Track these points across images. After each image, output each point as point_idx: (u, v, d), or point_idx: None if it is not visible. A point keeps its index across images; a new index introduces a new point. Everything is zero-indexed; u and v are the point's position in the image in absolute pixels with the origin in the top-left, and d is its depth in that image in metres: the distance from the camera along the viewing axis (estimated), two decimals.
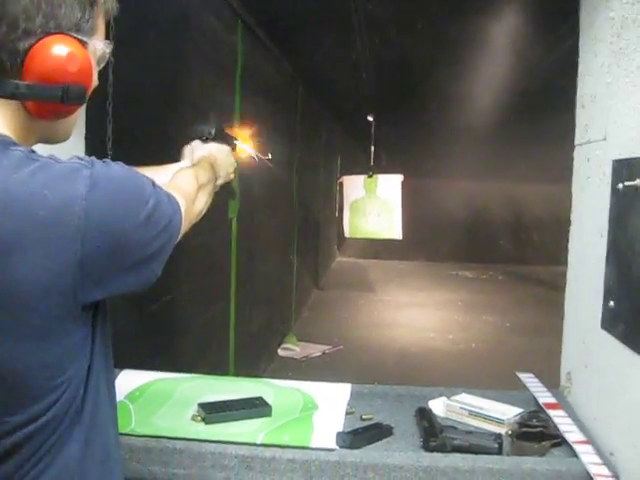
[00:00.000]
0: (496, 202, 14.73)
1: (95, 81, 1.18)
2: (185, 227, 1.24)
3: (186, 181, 1.40)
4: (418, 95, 8.17)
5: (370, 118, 9.17)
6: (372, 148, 8.71)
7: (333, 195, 12.14)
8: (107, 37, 1.19)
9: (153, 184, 1.13)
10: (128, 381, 1.99)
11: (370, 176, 7.52)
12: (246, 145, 1.94)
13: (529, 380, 2.09)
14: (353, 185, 7.55)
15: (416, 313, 9.29)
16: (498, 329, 8.51)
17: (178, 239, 1.18)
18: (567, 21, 2.18)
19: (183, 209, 1.21)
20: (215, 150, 1.71)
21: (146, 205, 1.08)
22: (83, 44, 1.10)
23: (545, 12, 4.52)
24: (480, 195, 14.58)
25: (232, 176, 1.77)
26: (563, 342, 2.05)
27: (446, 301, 10.19)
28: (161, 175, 1.49)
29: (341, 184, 7.88)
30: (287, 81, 7.33)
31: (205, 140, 1.73)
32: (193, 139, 1.75)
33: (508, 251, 14.54)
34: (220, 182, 1.68)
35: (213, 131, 1.72)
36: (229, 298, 4.92)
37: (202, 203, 1.42)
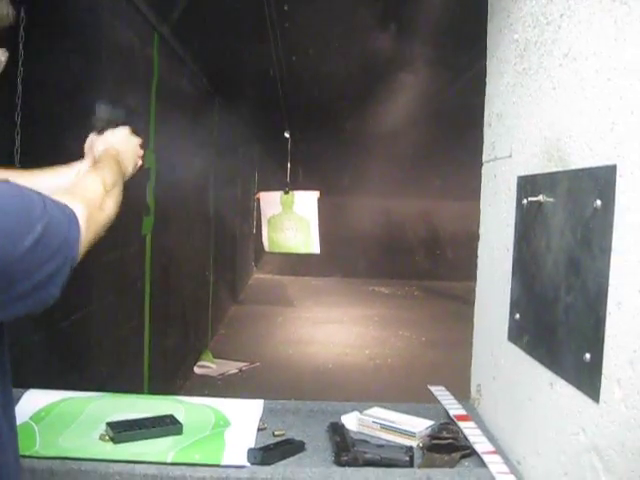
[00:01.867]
0: (412, 219, 15.01)
1: None
2: (92, 236, 1.17)
3: (91, 187, 1.30)
4: (335, 113, 8.27)
5: (287, 135, 9.22)
6: (289, 165, 8.76)
7: (250, 211, 12.11)
8: (15, 47, 1.15)
9: (44, 202, 1.05)
10: (33, 401, 1.91)
11: (287, 192, 7.56)
12: None
13: (440, 393, 2.12)
14: (270, 201, 7.56)
15: (333, 329, 9.34)
16: (413, 344, 8.65)
17: (81, 253, 1.11)
18: (476, 44, 2.24)
19: (84, 218, 1.13)
20: (115, 139, 1.62)
21: (33, 229, 1.00)
22: None
23: (456, 36, 4.66)
24: (396, 212, 14.83)
25: (140, 162, 1.67)
26: (473, 354, 2.10)
27: (363, 317, 10.28)
28: (63, 177, 1.43)
29: (258, 200, 7.88)
30: (204, 95, 7.29)
31: (100, 131, 1.64)
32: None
33: (423, 267, 14.82)
34: (130, 172, 1.60)
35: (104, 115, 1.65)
36: (143, 315, 4.83)
37: (112, 206, 1.31)
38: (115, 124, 1.68)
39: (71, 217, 1.11)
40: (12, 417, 1.18)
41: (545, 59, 1.53)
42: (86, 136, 1.64)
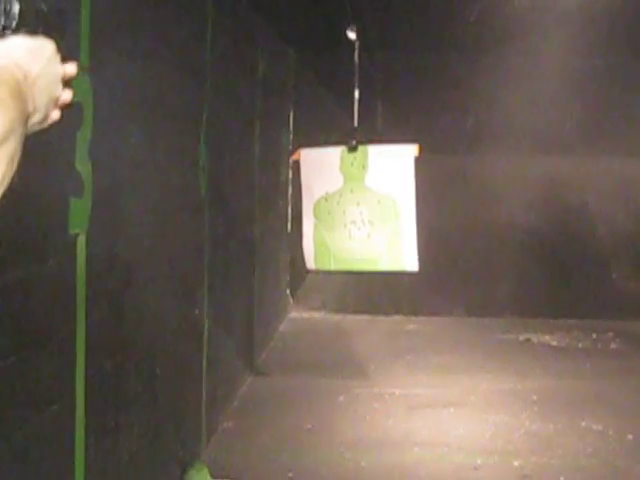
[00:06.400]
0: (597, 194, 14.71)
1: None
2: None
3: None
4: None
5: (352, 35, 9.15)
6: (356, 94, 8.72)
7: (280, 188, 12.11)
8: None
9: None
10: None
11: (353, 148, 7.50)
12: None
13: None
14: (319, 166, 7.51)
15: (447, 419, 9.31)
16: (611, 446, 8.52)
17: None
18: None
19: None
20: (23, 53, 1.66)
21: None
22: None
23: None
24: (564, 182, 14.55)
25: (57, 115, 1.77)
26: None
27: (507, 394, 10.24)
28: None
29: (297, 163, 7.84)
30: None
31: (3, 31, 1.69)
32: None
33: (628, 293, 14.57)
34: (39, 116, 1.67)
35: (17, 10, 1.67)
36: (73, 394, 4.77)
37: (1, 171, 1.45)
38: (32, 30, 1.73)
39: None
40: None
41: None
42: None
